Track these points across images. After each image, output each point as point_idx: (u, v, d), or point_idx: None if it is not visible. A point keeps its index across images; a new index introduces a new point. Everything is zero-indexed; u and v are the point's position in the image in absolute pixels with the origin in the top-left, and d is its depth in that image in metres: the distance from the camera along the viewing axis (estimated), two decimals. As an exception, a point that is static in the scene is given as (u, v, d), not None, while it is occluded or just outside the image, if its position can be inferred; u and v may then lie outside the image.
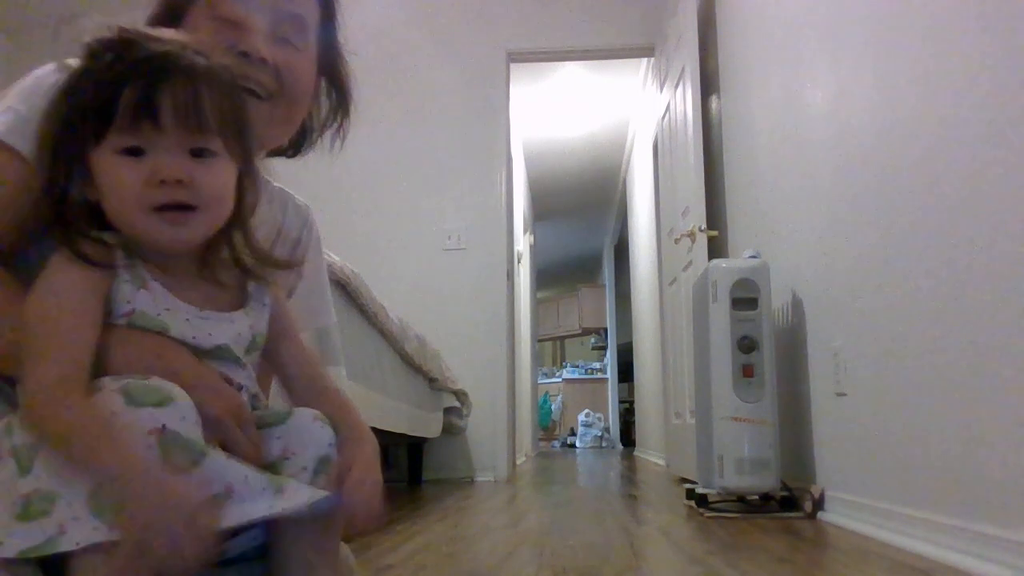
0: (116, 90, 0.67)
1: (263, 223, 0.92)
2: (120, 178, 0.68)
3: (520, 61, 4.53)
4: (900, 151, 1.77)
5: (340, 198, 4.14)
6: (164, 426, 0.61)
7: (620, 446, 9.91)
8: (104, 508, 0.58)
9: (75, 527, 0.58)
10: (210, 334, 0.72)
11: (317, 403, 0.77)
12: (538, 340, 9.95)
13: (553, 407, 10.92)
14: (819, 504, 2.24)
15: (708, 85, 3.54)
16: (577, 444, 10.10)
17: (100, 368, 0.66)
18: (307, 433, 0.73)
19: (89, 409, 0.61)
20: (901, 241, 1.77)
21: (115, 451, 0.59)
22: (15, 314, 0.67)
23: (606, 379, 10.63)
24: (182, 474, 0.61)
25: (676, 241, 3.77)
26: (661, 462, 5.13)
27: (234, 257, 0.77)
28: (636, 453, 7.49)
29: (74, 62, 0.72)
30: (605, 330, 10.85)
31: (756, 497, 2.42)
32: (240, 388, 0.74)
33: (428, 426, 3.45)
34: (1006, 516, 1.36)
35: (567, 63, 5.29)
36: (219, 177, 0.72)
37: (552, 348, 12.78)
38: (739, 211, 3.26)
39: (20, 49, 4.18)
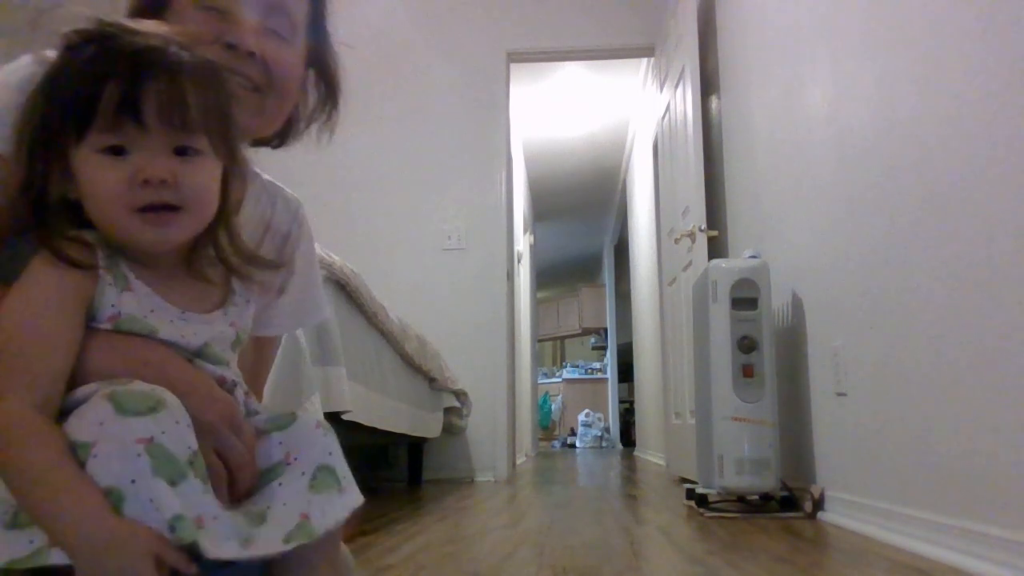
0: (97, 87, 0.65)
1: (250, 218, 0.90)
2: (102, 178, 0.66)
3: (520, 61, 4.53)
4: (900, 151, 1.77)
5: (340, 198, 4.15)
6: (152, 438, 0.59)
7: (620, 446, 9.91)
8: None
9: None
10: (195, 333, 0.72)
11: None
12: (538, 340, 9.95)
13: (553, 407, 10.92)
14: (819, 504, 2.24)
15: (708, 85, 3.54)
16: (577, 444, 10.10)
17: (85, 377, 0.65)
18: (308, 440, 0.72)
19: (45, 453, 0.58)
20: (901, 241, 1.77)
21: (68, 504, 0.56)
22: None
23: (606, 379, 10.64)
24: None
25: (676, 241, 3.77)
26: (661, 462, 5.13)
27: (219, 256, 0.75)
28: (636, 453, 7.49)
29: (51, 54, 0.70)
30: (605, 330, 10.85)
31: (756, 497, 2.42)
32: (233, 386, 0.74)
33: (428, 426, 3.45)
34: (1006, 516, 1.36)
35: (567, 63, 5.29)
36: (204, 176, 0.70)
37: (552, 348, 12.78)
38: (739, 211, 3.26)
39: (20, 48, 4.18)
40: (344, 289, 2.18)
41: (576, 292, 11.61)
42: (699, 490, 2.50)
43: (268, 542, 0.64)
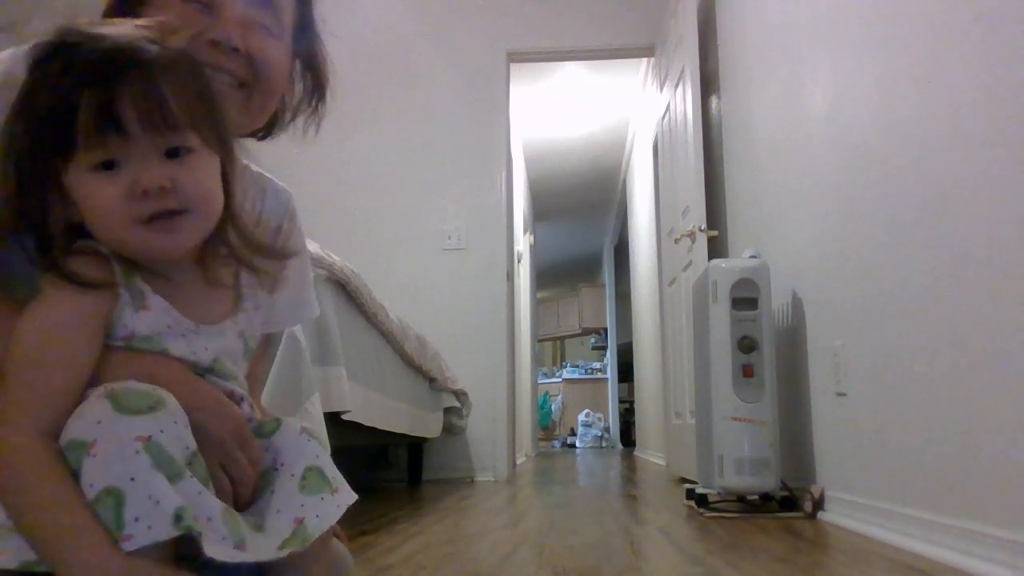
0: (70, 104, 0.62)
1: (241, 212, 0.90)
2: (99, 197, 0.64)
3: (520, 61, 4.53)
4: (900, 151, 1.77)
5: (340, 198, 4.15)
6: (151, 436, 0.59)
7: (620, 446, 9.91)
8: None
9: None
10: (206, 348, 0.70)
11: None
12: (538, 340, 9.95)
13: (553, 407, 10.92)
14: (819, 504, 2.24)
15: (708, 85, 3.54)
16: (577, 444, 10.10)
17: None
18: (294, 446, 0.72)
19: (50, 489, 0.57)
20: (901, 241, 1.77)
21: (71, 544, 0.56)
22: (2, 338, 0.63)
23: (606, 379, 10.64)
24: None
25: (676, 241, 3.77)
26: (661, 462, 5.13)
27: (231, 251, 0.74)
28: (636, 453, 7.49)
29: (6, 54, 0.69)
30: (605, 330, 10.85)
31: (756, 497, 2.42)
32: (240, 400, 0.73)
33: (428, 426, 3.45)
34: (1006, 516, 1.36)
35: (567, 63, 5.29)
36: (202, 174, 0.68)
37: (552, 348, 12.78)
38: (739, 211, 3.26)
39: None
40: (344, 289, 2.17)
41: (576, 292, 11.61)
42: (699, 490, 2.50)
43: (262, 549, 0.64)
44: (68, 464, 0.58)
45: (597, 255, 10.87)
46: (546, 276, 10.93)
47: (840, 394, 2.14)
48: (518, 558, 1.60)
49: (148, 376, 0.64)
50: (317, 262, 1.87)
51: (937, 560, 1.51)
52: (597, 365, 11.29)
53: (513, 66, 4.49)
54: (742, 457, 2.36)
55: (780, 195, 2.68)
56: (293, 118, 0.98)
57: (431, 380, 3.52)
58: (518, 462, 5.20)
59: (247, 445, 0.70)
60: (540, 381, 10.18)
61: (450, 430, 3.92)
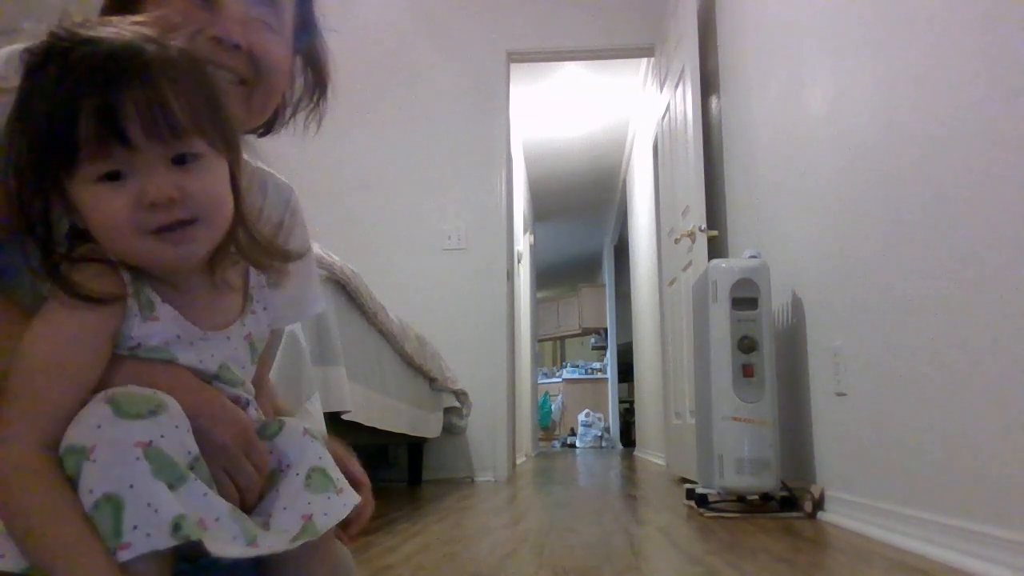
0: (70, 114, 0.59)
1: (251, 213, 0.89)
2: (106, 209, 0.61)
3: (520, 61, 4.53)
4: (900, 151, 1.77)
5: (340, 198, 4.15)
6: (151, 441, 0.58)
7: (620, 446, 9.91)
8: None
9: None
10: (213, 355, 0.69)
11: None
12: (538, 340, 9.95)
13: (553, 407, 10.92)
14: (819, 504, 2.24)
15: (708, 85, 3.54)
16: (577, 444, 10.10)
17: None
18: (298, 447, 0.72)
19: (51, 506, 0.56)
20: (901, 241, 1.77)
21: (71, 563, 0.55)
22: (6, 344, 0.62)
23: (606, 379, 10.64)
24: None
25: (676, 241, 3.78)
26: (661, 462, 5.13)
27: (242, 254, 0.72)
28: (636, 453, 7.49)
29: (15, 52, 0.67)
30: (605, 330, 10.86)
31: (756, 497, 2.42)
32: (246, 404, 0.73)
33: (428, 426, 3.45)
34: (1006, 516, 1.36)
35: (567, 63, 5.29)
36: (211, 180, 0.65)
37: (552, 348, 12.78)
38: (739, 211, 3.26)
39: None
40: (344, 289, 2.17)
41: (576, 292, 11.62)
42: (699, 490, 2.50)
43: (273, 543, 0.64)
44: (66, 474, 0.57)
45: (597, 255, 10.88)
46: (546, 276, 10.93)
47: (840, 394, 2.14)
48: (518, 558, 1.60)
49: (152, 383, 0.63)
50: (317, 262, 1.87)
51: (937, 560, 1.51)
52: (597, 365, 11.30)
53: (513, 66, 4.49)
54: (742, 457, 2.36)
55: (780, 195, 2.68)
56: (294, 114, 0.96)
57: (431, 380, 3.52)
58: (518, 462, 5.20)
59: (253, 451, 0.69)
60: (540, 381, 10.18)
61: (450, 430, 3.92)
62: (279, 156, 1.01)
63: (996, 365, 1.40)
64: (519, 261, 6.37)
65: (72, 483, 0.57)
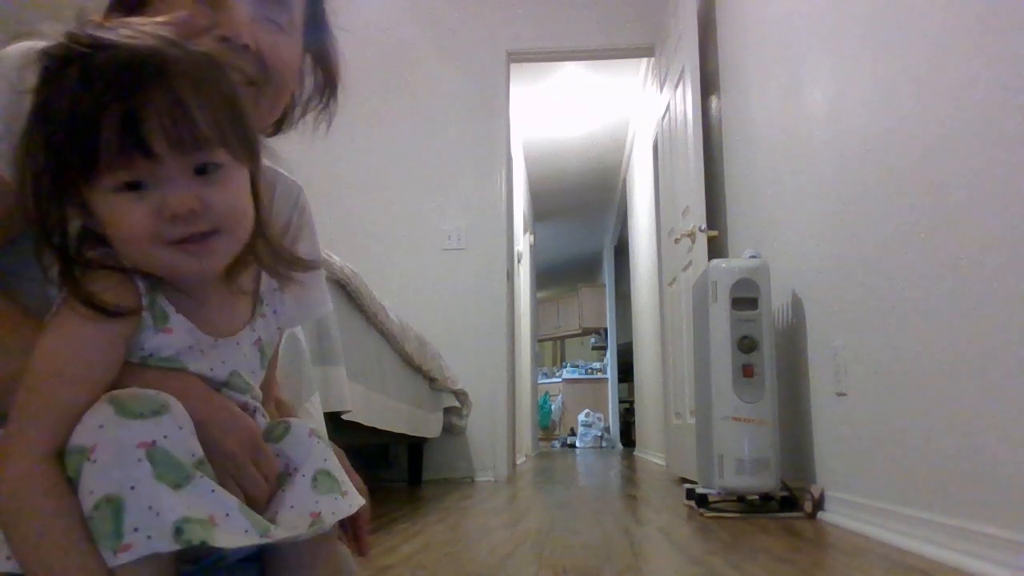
0: (91, 120, 0.57)
1: (270, 222, 0.89)
2: (126, 219, 0.60)
3: (520, 61, 4.53)
4: (900, 151, 1.77)
5: (340, 198, 4.15)
6: (154, 441, 0.57)
7: (620, 446, 9.91)
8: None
9: None
10: (223, 361, 0.69)
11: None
12: (538, 340, 9.95)
13: (553, 407, 10.92)
14: (819, 504, 2.24)
15: (708, 85, 3.54)
16: (577, 444, 10.10)
17: None
18: (304, 449, 0.72)
19: (54, 522, 0.56)
20: (901, 241, 1.77)
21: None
22: (14, 345, 0.62)
23: (606, 379, 10.64)
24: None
25: (676, 241, 3.78)
26: (661, 462, 5.13)
27: (260, 263, 0.72)
28: (636, 453, 7.49)
29: (13, 50, 0.66)
30: (605, 330, 10.86)
31: (756, 497, 2.42)
32: (253, 411, 0.72)
33: (428, 426, 3.45)
34: (1006, 516, 1.36)
35: (567, 63, 5.29)
36: (233, 192, 0.64)
37: (552, 348, 12.78)
38: (739, 211, 3.26)
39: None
40: (344, 289, 2.18)
41: (576, 292, 11.62)
42: (699, 490, 2.50)
43: (286, 533, 0.64)
44: (67, 475, 0.57)
45: (597, 255, 10.88)
46: (546, 276, 10.93)
47: (840, 394, 2.14)
48: (518, 558, 1.60)
49: (161, 390, 0.62)
50: (317, 262, 1.87)
51: (937, 560, 1.51)
52: (597, 365, 11.30)
53: (513, 66, 4.49)
54: (742, 457, 2.36)
55: (780, 195, 2.68)
56: (303, 115, 0.95)
57: (431, 380, 3.52)
58: (518, 462, 5.20)
59: (262, 459, 0.69)
60: (540, 381, 10.18)
61: (450, 430, 3.92)
62: (279, 155, 1.00)
63: (996, 365, 1.40)
64: (519, 261, 6.37)
65: (73, 484, 0.57)
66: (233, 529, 0.59)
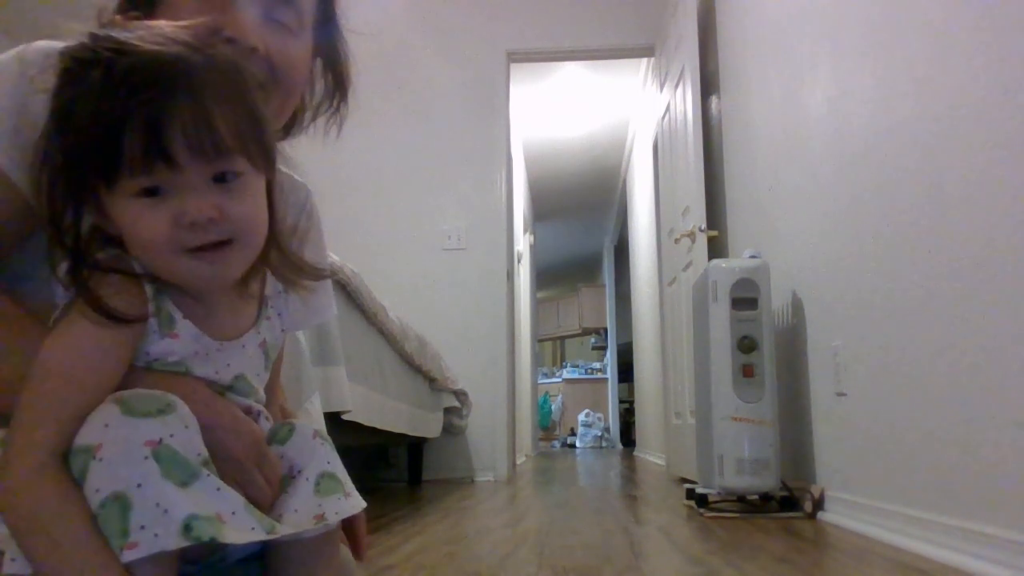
0: (116, 127, 0.58)
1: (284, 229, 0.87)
2: (144, 225, 0.60)
3: (520, 61, 4.53)
4: (900, 151, 1.77)
5: (340, 198, 4.14)
6: (161, 440, 0.57)
7: (620, 446, 9.91)
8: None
9: None
10: (228, 364, 0.69)
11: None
12: (538, 340, 9.96)
13: (553, 407, 10.92)
14: (819, 504, 2.24)
15: (708, 85, 3.54)
16: (577, 444, 10.10)
17: None
18: (308, 451, 0.72)
19: (59, 508, 0.56)
20: (901, 241, 1.77)
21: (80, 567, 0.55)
22: (20, 347, 0.62)
23: (606, 379, 10.64)
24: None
25: (676, 241, 3.78)
26: (661, 462, 5.13)
27: (272, 271, 0.72)
28: (636, 453, 7.49)
29: (34, 49, 0.65)
30: (605, 330, 10.86)
31: (756, 497, 2.42)
32: (257, 415, 0.72)
33: (428, 426, 3.45)
34: (1006, 516, 1.36)
35: (567, 63, 5.29)
36: (250, 201, 0.64)
37: (552, 348, 12.78)
38: (739, 211, 3.26)
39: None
40: (344, 289, 2.18)
41: (576, 292, 11.62)
42: (699, 490, 2.50)
43: (293, 529, 0.64)
44: (73, 474, 0.57)
45: (597, 255, 10.88)
46: (546, 276, 10.93)
47: (840, 394, 2.14)
48: (518, 558, 1.60)
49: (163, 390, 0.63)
50: (317, 262, 1.87)
51: (937, 560, 1.51)
52: (597, 365, 11.30)
53: (513, 66, 4.49)
54: (742, 457, 2.36)
55: (780, 195, 2.68)
56: (313, 119, 0.93)
57: (431, 380, 3.52)
58: (518, 462, 5.20)
59: (265, 464, 0.69)
60: (540, 381, 10.18)
61: (450, 430, 3.93)
62: (289, 157, 1.00)
63: (996, 365, 1.40)
64: (519, 261, 6.37)
65: (79, 483, 0.57)
66: (240, 526, 0.60)
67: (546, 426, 10.83)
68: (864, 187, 1.97)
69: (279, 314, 0.76)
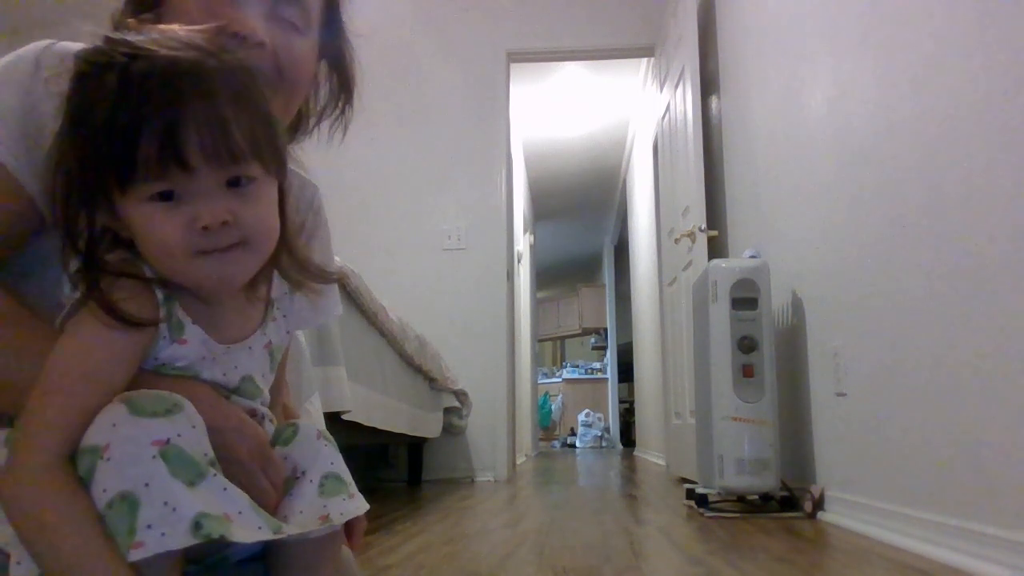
0: (132, 132, 0.58)
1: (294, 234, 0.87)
2: (158, 229, 0.61)
3: (520, 61, 4.53)
4: (900, 151, 1.78)
5: (340, 198, 4.14)
6: (168, 439, 0.57)
7: (620, 446, 9.91)
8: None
9: None
10: (235, 367, 0.69)
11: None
12: (538, 340, 9.95)
13: (553, 407, 10.92)
14: (819, 504, 2.24)
15: (708, 85, 3.54)
16: (577, 444, 10.10)
17: None
18: (312, 452, 0.72)
19: (66, 508, 0.56)
20: (901, 241, 1.77)
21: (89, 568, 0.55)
22: (29, 349, 0.62)
23: (606, 379, 10.64)
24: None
25: (676, 241, 3.78)
26: (661, 462, 5.13)
27: (282, 274, 0.72)
28: (636, 453, 7.49)
29: (53, 51, 0.65)
30: (605, 330, 10.86)
31: (756, 497, 2.42)
32: (262, 418, 0.72)
33: (428, 426, 3.45)
34: (1006, 516, 1.36)
35: (567, 63, 5.29)
36: (263, 205, 0.65)
37: (552, 348, 12.78)
38: (739, 211, 3.26)
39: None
40: (344, 289, 2.18)
41: (576, 292, 11.62)
42: (699, 490, 2.50)
43: (298, 527, 0.64)
44: (80, 474, 0.57)
45: (597, 255, 10.88)
46: (546, 276, 10.93)
47: (840, 394, 2.14)
48: (518, 558, 1.60)
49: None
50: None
51: (937, 560, 1.51)
52: (597, 365, 11.30)
53: (513, 66, 4.49)
54: (742, 457, 2.36)
55: (780, 195, 2.68)
56: (319, 123, 0.93)
57: (431, 380, 3.52)
58: (518, 462, 5.20)
59: (270, 467, 0.69)
60: (540, 381, 10.18)
61: (450, 430, 3.93)
62: (298, 157, 1.00)
63: (996, 365, 1.40)
64: (519, 261, 6.37)
65: (86, 484, 0.57)
66: (247, 525, 0.60)
67: (546, 426, 10.83)
68: (864, 187, 1.97)
69: (285, 316, 0.76)
